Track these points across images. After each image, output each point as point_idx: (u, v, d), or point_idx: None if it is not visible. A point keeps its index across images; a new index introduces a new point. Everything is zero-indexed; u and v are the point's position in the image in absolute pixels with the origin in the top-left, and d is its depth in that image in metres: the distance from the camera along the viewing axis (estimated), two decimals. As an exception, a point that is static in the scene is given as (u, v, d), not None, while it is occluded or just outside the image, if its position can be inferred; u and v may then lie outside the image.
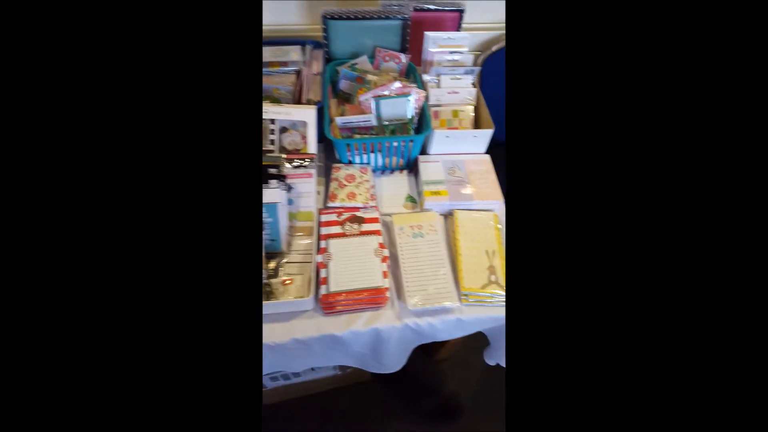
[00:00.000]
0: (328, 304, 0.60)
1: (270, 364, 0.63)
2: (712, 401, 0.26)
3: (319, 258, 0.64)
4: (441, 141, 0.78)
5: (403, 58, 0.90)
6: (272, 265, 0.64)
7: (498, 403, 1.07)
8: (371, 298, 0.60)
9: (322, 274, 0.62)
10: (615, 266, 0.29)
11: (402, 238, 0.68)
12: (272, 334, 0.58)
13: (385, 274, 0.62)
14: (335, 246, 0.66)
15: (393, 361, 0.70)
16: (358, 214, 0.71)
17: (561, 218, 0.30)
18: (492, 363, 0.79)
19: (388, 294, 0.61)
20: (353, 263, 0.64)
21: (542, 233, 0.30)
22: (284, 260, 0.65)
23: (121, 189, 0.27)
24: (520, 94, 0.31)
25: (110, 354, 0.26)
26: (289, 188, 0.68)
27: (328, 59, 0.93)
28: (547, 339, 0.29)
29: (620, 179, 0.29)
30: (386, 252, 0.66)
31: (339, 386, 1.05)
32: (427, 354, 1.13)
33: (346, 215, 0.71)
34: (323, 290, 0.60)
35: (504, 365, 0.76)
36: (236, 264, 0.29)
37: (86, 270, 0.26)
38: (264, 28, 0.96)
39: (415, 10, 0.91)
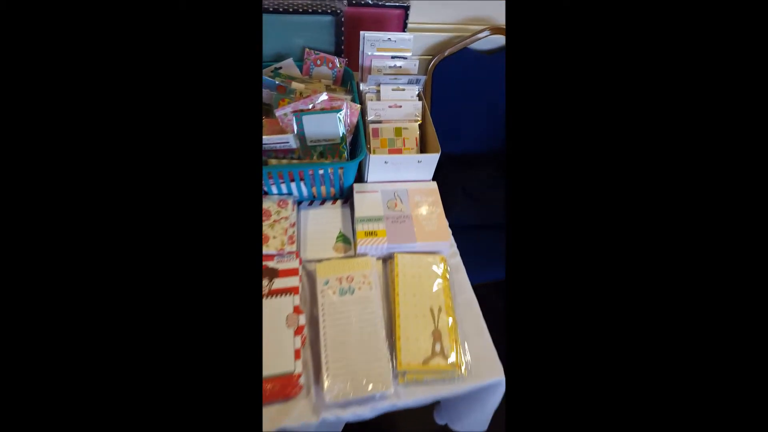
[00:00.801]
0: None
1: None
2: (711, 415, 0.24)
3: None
4: (380, 166, 0.64)
5: (338, 62, 0.74)
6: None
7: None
8: (277, 390, 0.45)
9: (210, 359, 0.45)
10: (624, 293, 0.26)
11: (326, 296, 0.53)
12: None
13: (297, 354, 0.47)
14: (235, 314, 0.49)
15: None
16: (271, 264, 0.54)
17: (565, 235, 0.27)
18: (441, 423, 0.67)
19: (302, 380, 0.46)
20: (256, 338, 0.47)
21: (547, 256, 0.28)
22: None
23: (111, 194, 0.26)
24: (520, 98, 0.29)
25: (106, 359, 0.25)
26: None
27: (247, 61, 0.75)
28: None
29: (628, 193, 0.27)
30: (302, 319, 0.50)
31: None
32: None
33: (254, 267, 0.54)
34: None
35: (454, 428, 0.64)
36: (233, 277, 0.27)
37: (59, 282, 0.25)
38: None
39: (351, 4, 0.75)
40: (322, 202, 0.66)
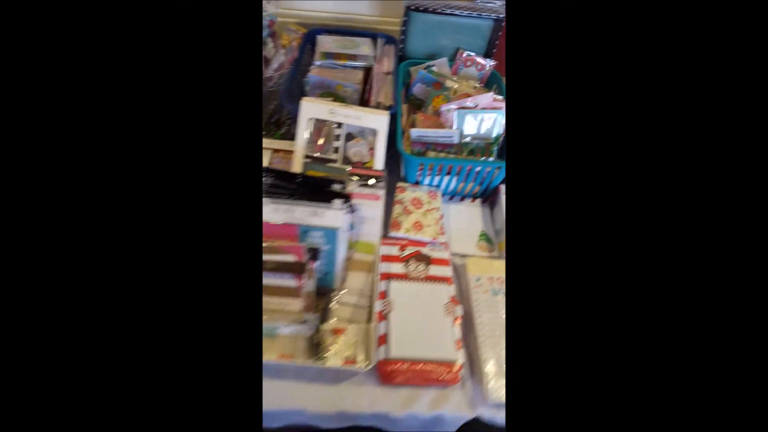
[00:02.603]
0: (386, 374, 0.43)
1: None
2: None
3: (378, 305, 0.47)
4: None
5: (487, 64, 0.72)
6: (321, 305, 0.48)
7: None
8: (436, 376, 0.43)
9: (381, 329, 0.45)
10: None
11: (479, 293, 0.50)
12: (314, 398, 0.42)
13: (458, 344, 0.45)
14: (397, 291, 0.49)
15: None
16: (425, 251, 0.54)
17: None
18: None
19: (461, 373, 0.44)
20: (419, 319, 0.46)
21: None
22: (335, 301, 0.49)
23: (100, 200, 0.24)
24: (520, 102, 0.27)
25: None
26: (352, 211, 0.52)
27: (401, 57, 0.76)
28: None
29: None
30: (460, 310, 0.48)
31: None
32: None
33: (410, 250, 0.54)
34: (381, 353, 0.43)
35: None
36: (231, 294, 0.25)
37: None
38: (327, 15, 0.80)
39: (513, 10, 0.72)
40: (462, 199, 0.65)
